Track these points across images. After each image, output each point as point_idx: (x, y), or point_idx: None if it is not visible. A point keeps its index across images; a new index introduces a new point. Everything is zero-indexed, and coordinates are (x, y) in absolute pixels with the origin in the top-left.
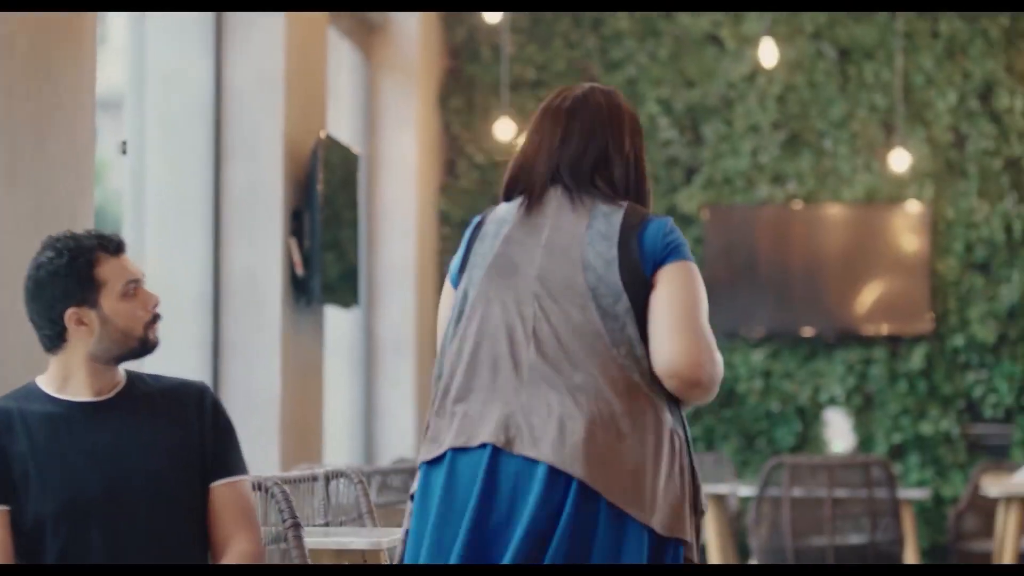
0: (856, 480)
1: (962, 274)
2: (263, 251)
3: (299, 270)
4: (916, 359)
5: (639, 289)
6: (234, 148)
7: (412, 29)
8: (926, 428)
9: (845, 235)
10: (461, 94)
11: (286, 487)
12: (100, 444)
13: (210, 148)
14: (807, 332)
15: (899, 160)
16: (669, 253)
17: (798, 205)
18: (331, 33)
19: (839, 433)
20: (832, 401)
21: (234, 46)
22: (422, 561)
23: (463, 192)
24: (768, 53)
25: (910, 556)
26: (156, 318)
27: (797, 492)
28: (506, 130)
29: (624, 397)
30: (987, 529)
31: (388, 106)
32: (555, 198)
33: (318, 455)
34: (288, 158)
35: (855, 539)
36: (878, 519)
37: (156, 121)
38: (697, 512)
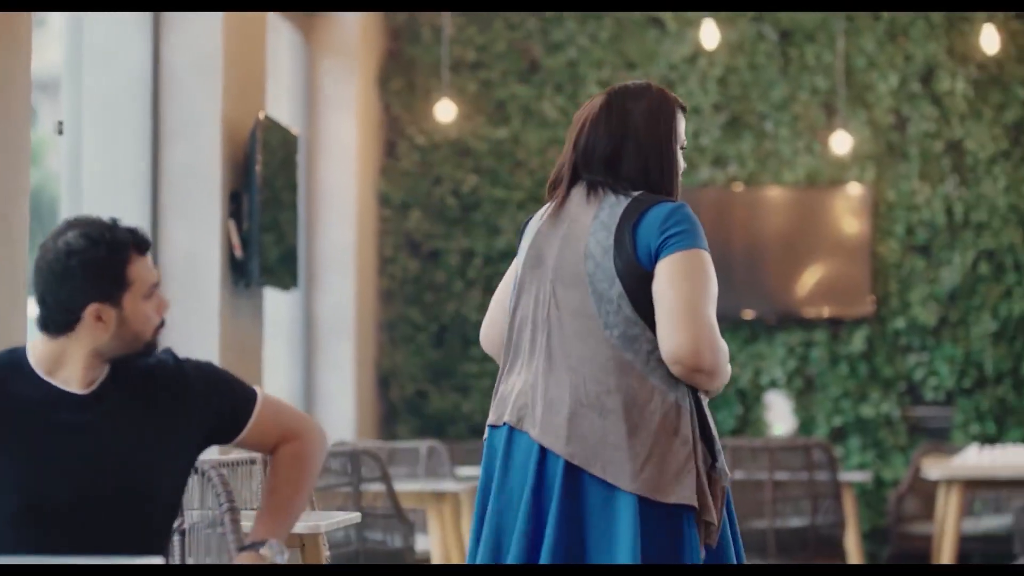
0: (797, 463)
1: (903, 257)
2: (201, 233)
3: (238, 252)
4: (857, 342)
5: (634, 274)
6: (172, 129)
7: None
8: (867, 411)
9: (786, 217)
10: (401, 75)
11: (224, 471)
12: (79, 446)
13: (148, 129)
14: (748, 315)
15: (840, 142)
16: (665, 243)
17: (739, 187)
18: (270, 14)
19: (780, 416)
20: (773, 384)
21: (172, 26)
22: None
23: (403, 174)
24: (709, 35)
25: (851, 539)
26: (163, 323)
27: (738, 475)
28: (446, 111)
29: (613, 375)
30: (928, 511)
31: (328, 87)
32: (577, 194)
33: None
34: (226, 139)
35: (796, 522)
36: (819, 502)
37: (93, 101)
38: (711, 479)
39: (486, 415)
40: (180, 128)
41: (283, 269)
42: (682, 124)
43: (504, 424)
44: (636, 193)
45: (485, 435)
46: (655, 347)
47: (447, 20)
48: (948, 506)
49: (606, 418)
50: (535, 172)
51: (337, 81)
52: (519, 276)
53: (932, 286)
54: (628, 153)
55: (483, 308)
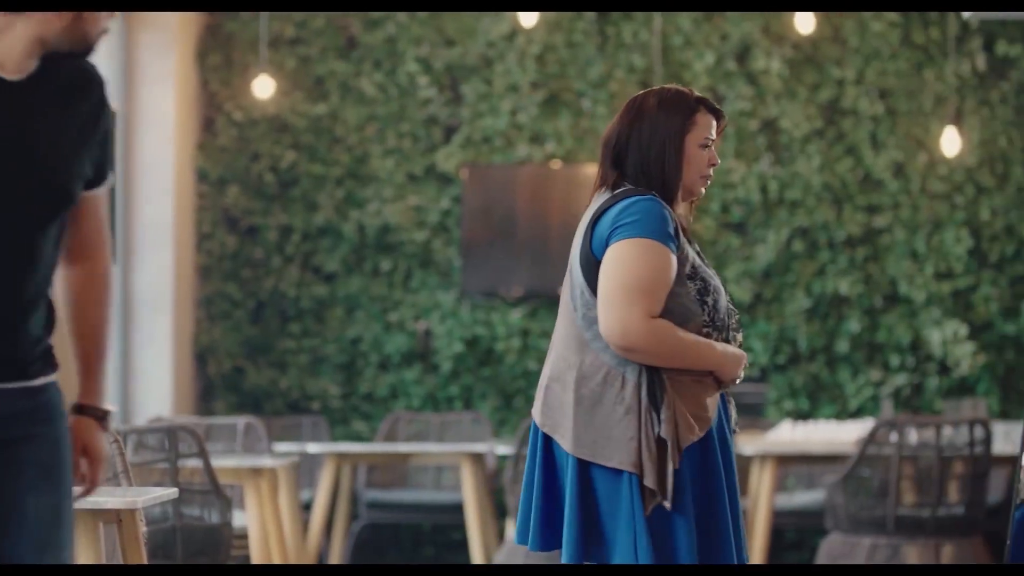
0: None
1: (718, 234)
2: None
3: None
4: None
5: (589, 263)
6: None
7: None
8: None
9: None
10: (220, 51)
11: None
12: (2, 131)
13: None
14: None
15: None
16: (612, 234)
17: (557, 165)
18: None
19: None
20: None
21: None
22: None
23: (221, 150)
24: (527, 13)
25: None
26: (107, 29)
27: None
28: (265, 87)
29: (576, 353)
30: (742, 487)
31: (145, 62)
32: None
33: None
34: None
35: None
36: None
37: None
38: (660, 444)
39: (303, 391)
40: None
41: None
42: (704, 122)
43: None
44: (621, 189)
45: None
46: None
47: None
48: (762, 481)
49: (564, 390)
50: (353, 148)
51: (155, 55)
52: None
53: (747, 263)
54: (632, 149)
55: (301, 284)
